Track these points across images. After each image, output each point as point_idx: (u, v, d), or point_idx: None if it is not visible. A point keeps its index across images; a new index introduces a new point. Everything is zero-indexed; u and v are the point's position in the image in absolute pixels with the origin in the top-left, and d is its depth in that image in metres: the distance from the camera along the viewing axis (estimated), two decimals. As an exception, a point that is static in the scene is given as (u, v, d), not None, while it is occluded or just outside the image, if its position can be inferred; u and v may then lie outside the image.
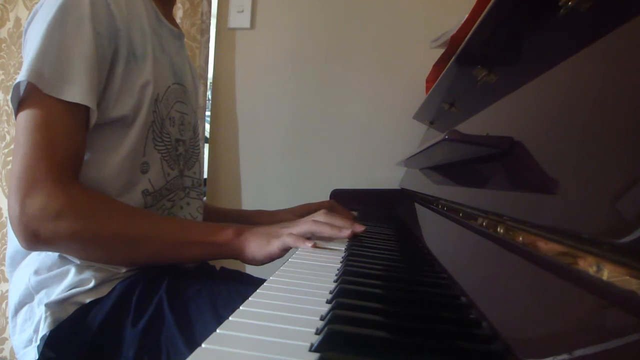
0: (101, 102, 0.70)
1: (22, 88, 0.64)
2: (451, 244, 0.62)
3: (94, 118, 0.68)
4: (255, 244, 0.70)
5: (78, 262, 0.69)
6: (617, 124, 0.28)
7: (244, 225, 0.74)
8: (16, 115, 0.66)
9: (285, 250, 0.69)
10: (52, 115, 0.64)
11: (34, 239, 0.62)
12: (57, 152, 0.64)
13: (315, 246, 0.67)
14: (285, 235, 0.69)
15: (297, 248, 0.68)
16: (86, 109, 0.67)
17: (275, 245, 0.69)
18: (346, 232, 0.70)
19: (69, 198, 0.63)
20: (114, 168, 0.72)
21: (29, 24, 0.70)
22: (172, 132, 0.82)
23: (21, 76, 0.63)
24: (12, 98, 0.65)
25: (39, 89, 0.63)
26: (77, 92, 0.65)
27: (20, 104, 0.65)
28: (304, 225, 0.71)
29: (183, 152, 0.87)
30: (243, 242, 0.70)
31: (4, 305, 1.54)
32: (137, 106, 0.73)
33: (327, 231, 0.70)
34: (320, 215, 0.74)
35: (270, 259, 0.70)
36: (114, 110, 0.71)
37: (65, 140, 0.65)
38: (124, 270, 0.70)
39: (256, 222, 1.07)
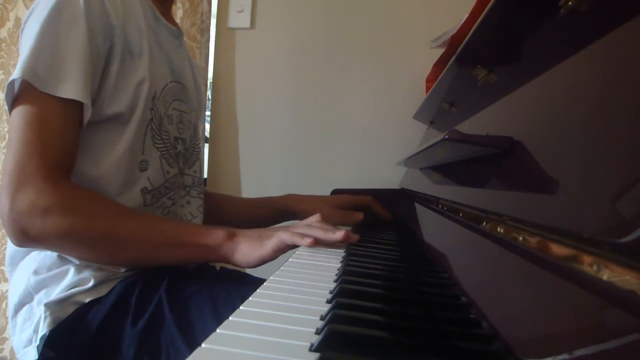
0: (96, 99, 0.70)
1: (16, 86, 0.65)
2: (451, 244, 0.62)
3: (88, 114, 0.68)
4: (247, 247, 0.68)
5: (77, 261, 0.69)
6: (617, 124, 0.28)
7: (236, 228, 0.72)
8: (10, 112, 0.66)
9: (279, 251, 0.67)
10: (45, 112, 0.64)
11: (22, 236, 0.62)
12: (49, 149, 0.64)
13: (313, 243, 0.65)
14: (282, 232, 0.67)
15: (296, 248, 0.67)
16: (80, 105, 0.67)
17: (268, 246, 0.67)
18: (340, 234, 0.67)
19: (58, 195, 0.63)
20: (112, 166, 0.72)
21: (25, 23, 0.70)
22: (170, 130, 0.82)
23: (15, 74, 0.63)
24: (6, 96, 0.65)
25: (33, 86, 0.63)
26: (71, 88, 0.65)
27: (14, 102, 0.65)
28: (298, 228, 0.69)
29: (182, 151, 0.87)
30: (234, 245, 0.69)
31: (3, 305, 1.54)
32: (132, 103, 0.73)
33: (320, 234, 0.68)
34: (314, 220, 0.73)
35: (262, 261, 0.68)
36: (109, 108, 0.71)
37: (58, 137, 0.65)
38: (123, 270, 0.70)
39: (286, 205, 1.04)
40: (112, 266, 0.70)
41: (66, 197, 0.64)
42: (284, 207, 1.06)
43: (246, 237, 0.69)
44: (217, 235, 0.69)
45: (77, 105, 0.67)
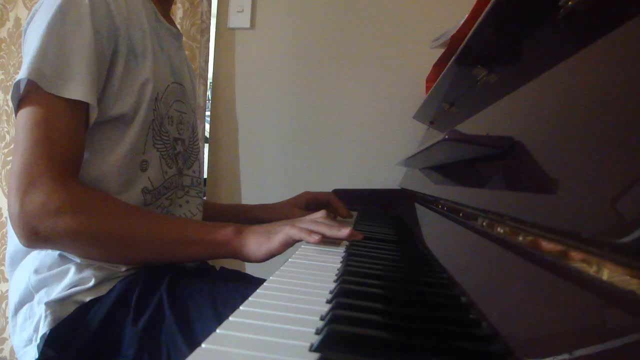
0: (101, 100, 0.70)
1: (22, 86, 0.65)
2: (451, 244, 0.62)
3: (94, 115, 0.68)
4: (255, 241, 0.69)
5: (78, 260, 0.69)
6: (617, 124, 0.28)
7: (244, 224, 0.73)
8: (16, 113, 0.66)
9: (287, 245, 0.68)
10: (52, 112, 0.64)
11: (33, 236, 0.63)
12: (57, 149, 0.64)
13: (320, 240, 0.65)
14: (289, 227, 0.68)
15: (299, 245, 0.68)
16: (86, 106, 0.67)
17: (276, 241, 0.68)
18: (345, 231, 0.68)
19: (68, 195, 0.63)
20: (114, 165, 0.72)
21: (29, 23, 0.70)
22: (170, 131, 0.82)
23: (21, 74, 0.64)
24: (12, 96, 0.65)
25: (39, 87, 0.63)
26: (77, 89, 0.65)
27: (20, 102, 0.66)
28: (304, 223, 0.70)
29: (182, 151, 0.87)
30: (242, 240, 0.70)
31: (3, 305, 1.54)
32: (136, 104, 0.73)
33: (326, 230, 0.69)
34: (319, 216, 0.74)
35: (271, 255, 0.69)
36: (114, 109, 0.71)
37: (65, 137, 0.65)
38: (123, 269, 0.71)
39: (254, 215, 1.08)
40: (120, 264, 0.70)
41: (76, 197, 0.64)
42: (253, 216, 1.09)
43: (254, 233, 0.70)
44: (225, 231, 0.70)
45: (83, 106, 0.67)
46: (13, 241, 0.73)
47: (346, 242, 0.72)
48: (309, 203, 1.10)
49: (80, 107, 0.67)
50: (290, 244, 0.68)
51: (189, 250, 0.71)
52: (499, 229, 0.42)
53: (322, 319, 0.37)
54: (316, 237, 0.65)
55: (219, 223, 0.73)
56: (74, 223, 0.63)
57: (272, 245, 0.68)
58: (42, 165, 0.63)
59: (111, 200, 0.70)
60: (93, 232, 0.65)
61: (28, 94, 0.65)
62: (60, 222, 0.62)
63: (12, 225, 0.64)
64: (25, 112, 0.65)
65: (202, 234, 0.71)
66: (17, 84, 0.64)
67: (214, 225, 0.72)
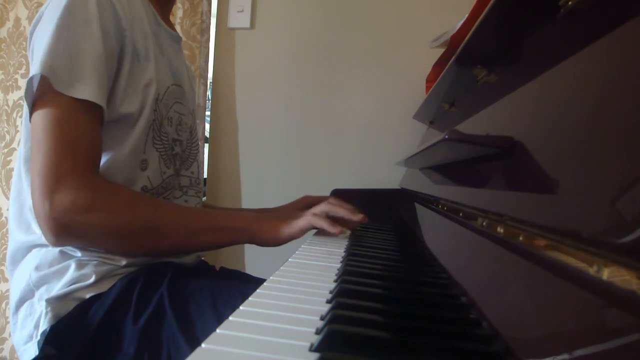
0: (109, 100, 0.71)
1: (35, 83, 0.65)
2: (451, 244, 0.62)
3: (105, 115, 0.70)
4: (275, 225, 0.74)
5: (79, 256, 0.69)
6: (617, 124, 0.28)
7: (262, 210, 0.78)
8: (31, 112, 0.67)
9: (306, 231, 0.73)
10: (69, 112, 0.66)
11: (64, 233, 0.64)
12: (80, 148, 0.66)
13: (340, 232, 0.71)
14: (310, 216, 0.72)
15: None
16: (97, 106, 0.68)
17: (297, 226, 0.72)
18: (359, 216, 0.74)
19: (96, 191, 0.65)
20: (117, 164, 0.73)
21: (35, 26, 0.71)
22: (169, 132, 0.83)
23: (34, 70, 0.64)
24: (26, 94, 0.66)
25: (52, 87, 0.64)
26: (88, 90, 0.66)
27: (34, 103, 0.66)
28: (320, 207, 0.75)
29: (180, 152, 0.87)
30: (263, 224, 0.74)
31: (4, 305, 1.54)
32: (141, 105, 0.75)
33: (341, 211, 0.74)
34: (331, 199, 0.80)
35: (290, 238, 0.74)
36: (121, 108, 0.72)
37: (85, 136, 0.66)
38: (124, 262, 0.71)
39: None
40: (148, 256, 0.73)
41: (103, 192, 0.66)
42: None
43: (273, 218, 0.75)
44: (246, 217, 0.75)
45: (97, 106, 0.68)
46: (14, 240, 0.73)
47: (346, 243, 0.72)
48: (309, 207, 1.10)
49: (95, 107, 0.68)
50: (308, 230, 0.73)
51: (212, 238, 0.74)
52: (499, 229, 0.42)
53: (322, 319, 0.37)
54: (337, 229, 0.70)
55: (238, 210, 0.77)
56: (105, 217, 0.65)
57: (293, 229, 0.72)
58: (67, 164, 0.64)
59: (135, 194, 0.73)
60: (123, 225, 0.67)
61: (43, 94, 0.66)
62: (91, 218, 0.64)
63: (39, 225, 0.65)
64: (43, 113, 0.65)
65: (224, 221, 0.74)
66: (30, 80, 0.65)
67: (234, 212, 0.77)
